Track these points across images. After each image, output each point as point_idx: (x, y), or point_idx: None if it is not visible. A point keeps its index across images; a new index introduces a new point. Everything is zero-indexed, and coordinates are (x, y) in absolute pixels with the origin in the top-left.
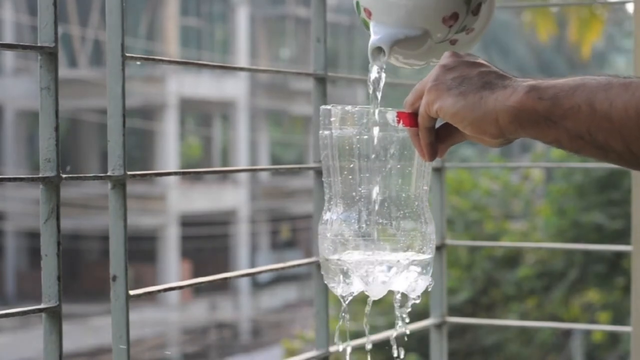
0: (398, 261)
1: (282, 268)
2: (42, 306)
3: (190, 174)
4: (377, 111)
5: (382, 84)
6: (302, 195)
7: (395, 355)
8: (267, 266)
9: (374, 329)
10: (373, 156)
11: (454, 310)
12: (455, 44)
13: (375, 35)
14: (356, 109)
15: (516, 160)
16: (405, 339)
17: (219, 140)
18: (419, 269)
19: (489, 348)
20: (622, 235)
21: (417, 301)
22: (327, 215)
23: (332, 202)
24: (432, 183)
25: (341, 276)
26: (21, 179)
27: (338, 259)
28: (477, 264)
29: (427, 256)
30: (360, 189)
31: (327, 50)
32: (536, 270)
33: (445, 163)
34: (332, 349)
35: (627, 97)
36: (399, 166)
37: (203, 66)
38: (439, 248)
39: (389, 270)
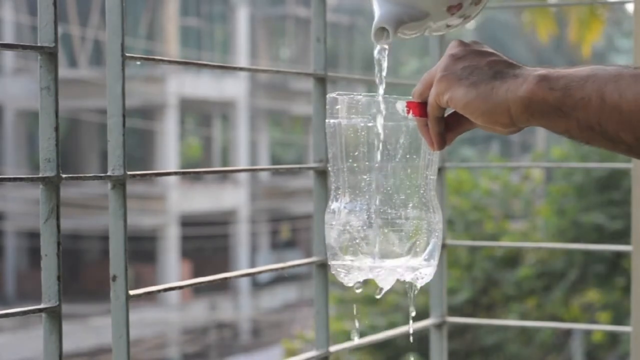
0: (400, 267)
1: (282, 268)
2: (42, 306)
3: (190, 174)
4: (384, 100)
5: (385, 65)
6: (302, 195)
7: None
8: (267, 266)
9: (374, 329)
10: (380, 145)
11: (454, 310)
12: (449, 27)
13: (380, 11)
14: (363, 97)
15: (516, 160)
16: (397, 340)
17: (219, 140)
18: (425, 260)
19: (489, 348)
20: (622, 235)
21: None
22: (333, 205)
23: (339, 192)
24: None
25: (349, 268)
26: (21, 179)
27: (343, 263)
28: (477, 264)
29: (433, 249)
30: (366, 177)
31: (327, 50)
32: (536, 270)
33: (446, 163)
34: (332, 349)
35: (637, 89)
36: (406, 155)
37: (203, 66)
38: None
39: (395, 272)
